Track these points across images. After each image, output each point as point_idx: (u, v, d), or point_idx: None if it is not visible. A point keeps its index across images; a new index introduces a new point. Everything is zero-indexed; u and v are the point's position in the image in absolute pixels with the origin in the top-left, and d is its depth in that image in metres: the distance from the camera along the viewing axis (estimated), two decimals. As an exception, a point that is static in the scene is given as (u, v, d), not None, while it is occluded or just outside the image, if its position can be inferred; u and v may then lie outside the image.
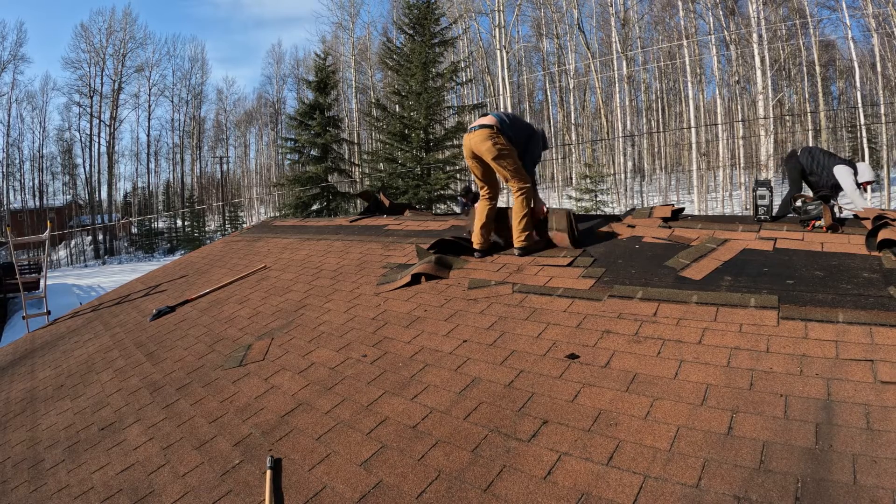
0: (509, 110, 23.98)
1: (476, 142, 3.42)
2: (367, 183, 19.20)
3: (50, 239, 7.28)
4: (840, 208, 5.09)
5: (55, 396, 3.27)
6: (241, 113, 52.13)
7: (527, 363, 2.15)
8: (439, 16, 17.38)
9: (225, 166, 49.25)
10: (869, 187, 5.68)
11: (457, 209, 8.22)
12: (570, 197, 23.41)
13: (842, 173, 5.46)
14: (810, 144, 23.69)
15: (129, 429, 2.46)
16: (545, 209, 3.62)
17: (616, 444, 1.57)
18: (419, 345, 2.52)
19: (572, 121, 34.10)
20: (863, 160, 19.83)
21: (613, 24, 25.72)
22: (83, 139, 42.01)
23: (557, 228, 3.52)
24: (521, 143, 3.57)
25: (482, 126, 3.41)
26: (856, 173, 5.47)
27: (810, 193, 5.84)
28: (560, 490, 1.44)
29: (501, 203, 3.82)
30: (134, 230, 43.12)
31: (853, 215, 3.38)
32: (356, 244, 4.78)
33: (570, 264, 3.15)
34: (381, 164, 18.21)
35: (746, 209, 22.39)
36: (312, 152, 18.60)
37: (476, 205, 3.77)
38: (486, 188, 3.67)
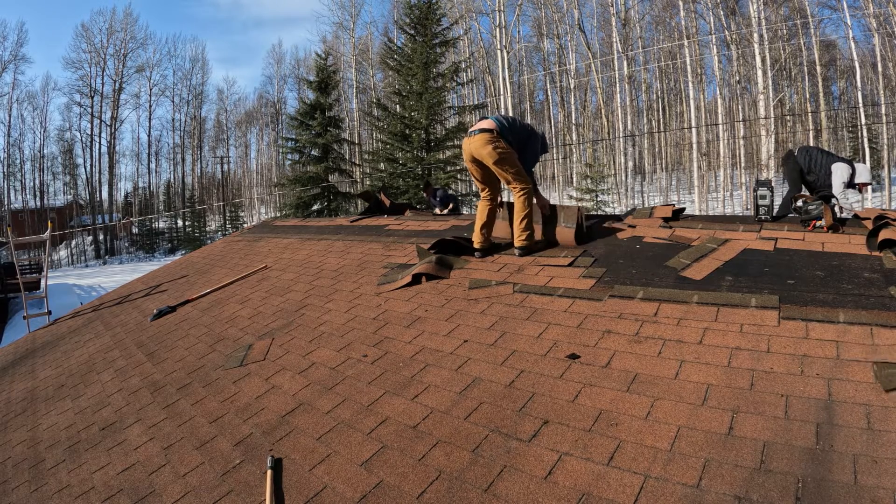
0: (510, 110, 24.00)
1: (476, 146, 3.42)
2: (368, 183, 19.22)
3: (51, 239, 7.29)
4: (841, 208, 5.07)
5: (56, 396, 3.27)
6: (242, 113, 52.20)
7: (527, 363, 2.15)
8: (440, 16, 17.40)
9: (226, 166, 49.36)
10: (868, 189, 5.65)
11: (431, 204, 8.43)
12: (570, 197, 23.43)
13: (836, 170, 5.44)
14: (811, 144, 23.66)
15: (129, 429, 2.46)
16: (548, 206, 3.64)
17: (617, 444, 1.57)
18: (420, 345, 2.52)
19: (573, 121, 34.09)
20: (864, 160, 19.82)
21: (614, 23, 25.72)
22: (84, 139, 42.12)
23: (566, 224, 3.53)
24: (521, 145, 3.57)
25: (482, 130, 3.42)
26: (853, 173, 5.46)
27: (810, 193, 5.82)
28: (560, 490, 1.44)
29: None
30: (135, 230, 43.16)
31: (854, 215, 3.37)
32: (357, 244, 4.78)
33: (570, 264, 3.15)
34: (382, 164, 18.23)
35: (747, 209, 22.38)
36: (313, 152, 18.61)
37: (477, 204, 3.78)
38: (486, 189, 3.68)
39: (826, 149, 7.37)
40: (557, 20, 31.87)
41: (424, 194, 8.74)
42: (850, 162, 5.51)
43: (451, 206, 8.04)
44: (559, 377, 2.00)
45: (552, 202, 3.74)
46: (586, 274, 2.95)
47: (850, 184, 5.45)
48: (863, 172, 5.48)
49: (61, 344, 4.61)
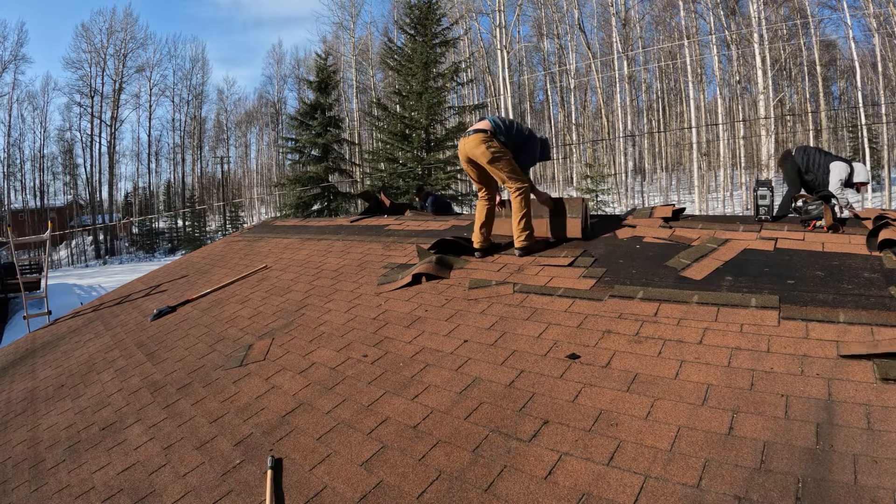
0: (510, 110, 23.99)
1: (470, 147, 3.44)
2: (368, 183, 19.22)
3: (51, 239, 7.29)
4: (841, 208, 5.07)
5: (56, 396, 3.27)
6: (242, 113, 52.23)
7: (527, 363, 2.15)
8: (440, 16, 17.40)
9: (226, 166, 49.37)
10: (865, 188, 5.64)
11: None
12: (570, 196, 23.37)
13: (834, 169, 5.44)
14: (810, 144, 23.65)
15: (129, 429, 2.46)
16: (550, 199, 3.65)
17: (617, 444, 1.57)
18: (420, 345, 2.52)
19: (573, 121, 34.09)
20: (864, 161, 19.80)
21: (614, 23, 25.73)
22: (84, 139, 42.14)
23: (572, 215, 3.55)
24: (517, 147, 3.57)
25: (477, 130, 3.45)
26: (852, 172, 5.45)
27: (808, 193, 5.82)
28: (561, 490, 1.44)
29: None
30: (135, 230, 43.17)
31: (854, 215, 3.37)
32: (357, 244, 4.78)
33: (570, 264, 3.15)
34: (382, 164, 18.24)
35: (747, 209, 22.38)
36: (313, 152, 18.62)
37: (475, 205, 3.79)
38: (483, 189, 3.69)
39: (826, 149, 7.33)
40: (557, 20, 31.88)
41: (417, 199, 8.77)
42: (848, 161, 5.52)
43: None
44: (559, 377, 2.00)
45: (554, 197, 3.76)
46: (586, 274, 2.95)
47: (849, 183, 5.45)
48: (860, 172, 5.47)
49: (61, 344, 4.61)
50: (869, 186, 5.80)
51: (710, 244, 3.02)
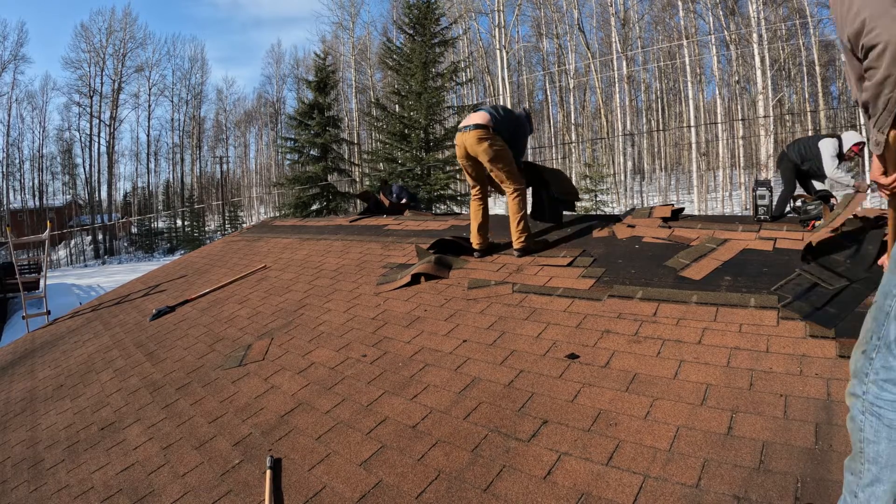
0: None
1: (471, 142, 3.39)
2: (367, 183, 19.21)
3: (50, 239, 7.28)
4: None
5: (55, 396, 3.27)
6: (241, 113, 52.18)
7: (527, 363, 2.15)
8: (439, 16, 17.38)
9: (225, 166, 49.21)
10: (862, 151, 5.41)
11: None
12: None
13: (824, 146, 5.28)
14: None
15: (128, 429, 2.46)
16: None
17: (616, 444, 1.57)
18: (419, 345, 2.52)
19: (572, 121, 34.08)
20: (862, 160, 19.75)
21: (613, 24, 25.73)
22: (83, 139, 42.05)
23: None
24: (512, 137, 3.55)
25: (477, 126, 3.38)
26: (841, 144, 5.26)
27: (811, 181, 5.78)
28: (560, 490, 1.44)
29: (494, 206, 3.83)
30: (134, 230, 43.10)
31: (852, 215, 3.36)
32: (356, 244, 4.78)
33: (569, 264, 3.15)
34: (381, 164, 18.22)
35: (746, 209, 22.38)
36: (312, 152, 18.61)
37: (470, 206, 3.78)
38: (477, 188, 3.66)
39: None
40: (557, 20, 31.88)
41: (380, 194, 8.26)
42: (836, 136, 5.35)
43: (403, 200, 7.62)
44: (558, 377, 2.00)
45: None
46: (585, 274, 2.95)
47: (841, 155, 5.29)
48: (850, 137, 5.26)
49: (60, 344, 4.60)
50: (866, 149, 5.48)
51: (709, 244, 3.02)
